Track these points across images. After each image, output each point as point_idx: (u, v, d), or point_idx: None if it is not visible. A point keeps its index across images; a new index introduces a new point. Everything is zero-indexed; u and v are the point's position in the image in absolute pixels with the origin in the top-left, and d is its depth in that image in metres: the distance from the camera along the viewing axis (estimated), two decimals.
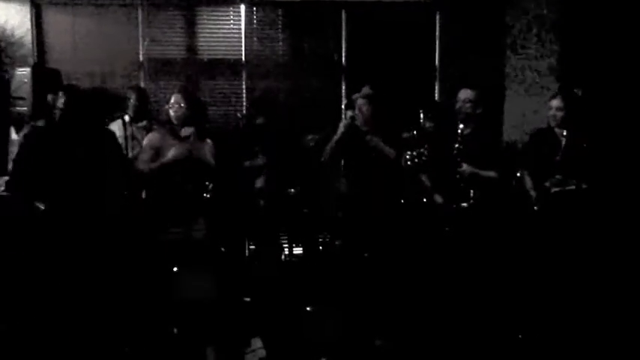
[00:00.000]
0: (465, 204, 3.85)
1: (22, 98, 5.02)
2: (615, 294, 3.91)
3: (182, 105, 3.69)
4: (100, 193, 3.56)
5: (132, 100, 4.79)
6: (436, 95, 6.02)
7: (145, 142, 3.98)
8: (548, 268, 3.94)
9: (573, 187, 3.97)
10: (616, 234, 4.14)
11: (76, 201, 3.50)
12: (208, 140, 3.89)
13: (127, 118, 4.68)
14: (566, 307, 3.78)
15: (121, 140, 4.23)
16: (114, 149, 3.77)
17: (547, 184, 4.02)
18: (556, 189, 4.01)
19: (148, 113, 4.91)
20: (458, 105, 3.96)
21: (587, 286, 3.87)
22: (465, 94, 3.97)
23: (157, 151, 3.81)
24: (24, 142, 3.83)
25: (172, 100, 3.74)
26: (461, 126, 3.88)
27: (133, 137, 4.61)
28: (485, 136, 4.03)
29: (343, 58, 6.01)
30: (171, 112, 3.74)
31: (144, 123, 4.76)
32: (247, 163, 4.54)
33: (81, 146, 3.54)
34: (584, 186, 3.94)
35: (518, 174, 4.31)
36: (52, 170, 3.49)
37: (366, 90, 3.91)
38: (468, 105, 3.93)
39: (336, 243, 4.04)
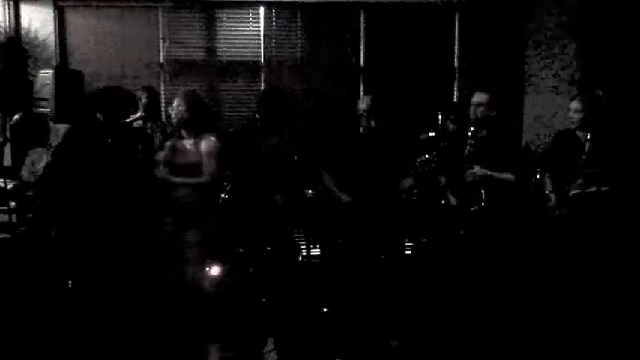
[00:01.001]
0: (475, 207, 3.82)
1: (44, 99, 5.13)
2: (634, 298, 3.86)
3: (181, 108, 3.77)
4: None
5: (143, 100, 4.85)
6: (455, 97, 6.00)
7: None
8: (568, 271, 3.90)
9: (593, 189, 3.93)
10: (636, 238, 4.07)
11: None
12: (211, 138, 3.85)
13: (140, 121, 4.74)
14: (576, 309, 3.75)
15: None
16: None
17: (567, 187, 3.98)
18: (576, 191, 3.97)
19: (159, 113, 4.99)
20: (471, 108, 3.95)
21: (603, 288, 3.84)
22: (477, 97, 3.95)
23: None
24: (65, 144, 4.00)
25: (175, 103, 3.83)
26: (472, 128, 3.87)
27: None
28: (500, 138, 4.00)
29: (362, 60, 6.02)
30: (172, 114, 3.84)
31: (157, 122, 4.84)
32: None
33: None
34: (603, 189, 3.90)
35: (538, 176, 4.27)
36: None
37: (365, 102, 3.97)
38: (481, 108, 3.92)
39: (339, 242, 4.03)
